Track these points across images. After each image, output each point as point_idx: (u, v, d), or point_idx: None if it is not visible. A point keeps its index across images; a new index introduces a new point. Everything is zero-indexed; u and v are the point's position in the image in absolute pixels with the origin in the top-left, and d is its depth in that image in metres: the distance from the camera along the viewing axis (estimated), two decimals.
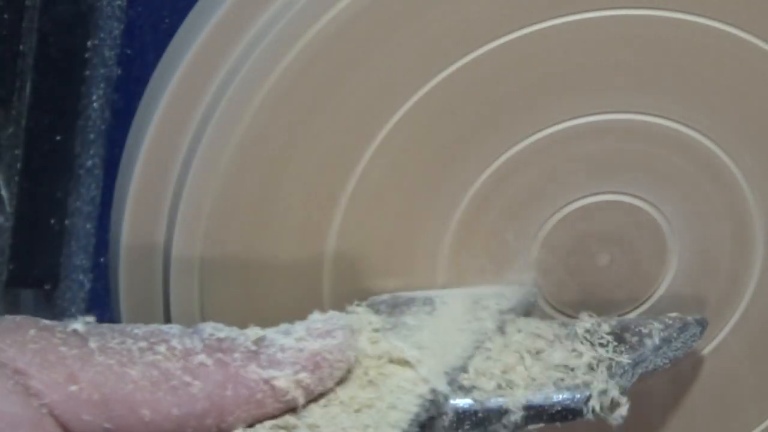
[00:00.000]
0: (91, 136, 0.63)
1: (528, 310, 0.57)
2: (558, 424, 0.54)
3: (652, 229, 0.58)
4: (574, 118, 0.56)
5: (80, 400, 0.46)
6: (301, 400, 0.49)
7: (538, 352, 0.54)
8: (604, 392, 0.54)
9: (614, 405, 0.54)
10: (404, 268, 0.57)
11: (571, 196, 0.57)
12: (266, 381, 0.48)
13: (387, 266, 0.57)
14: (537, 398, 0.53)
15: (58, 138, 0.62)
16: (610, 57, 0.55)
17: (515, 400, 0.52)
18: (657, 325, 0.56)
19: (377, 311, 0.54)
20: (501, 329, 0.54)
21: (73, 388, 0.46)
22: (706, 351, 0.61)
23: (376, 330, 0.52)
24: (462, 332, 0.53)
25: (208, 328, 0.49)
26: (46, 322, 0.48)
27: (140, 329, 0.49)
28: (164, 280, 0.56)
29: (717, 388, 0.61)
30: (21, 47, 0.61)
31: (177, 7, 0.59)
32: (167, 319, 0.57)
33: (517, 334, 0.54)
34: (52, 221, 0.63)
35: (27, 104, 0.61)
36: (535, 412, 0.53)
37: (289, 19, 0.53)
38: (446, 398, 0.51)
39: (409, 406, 0.50)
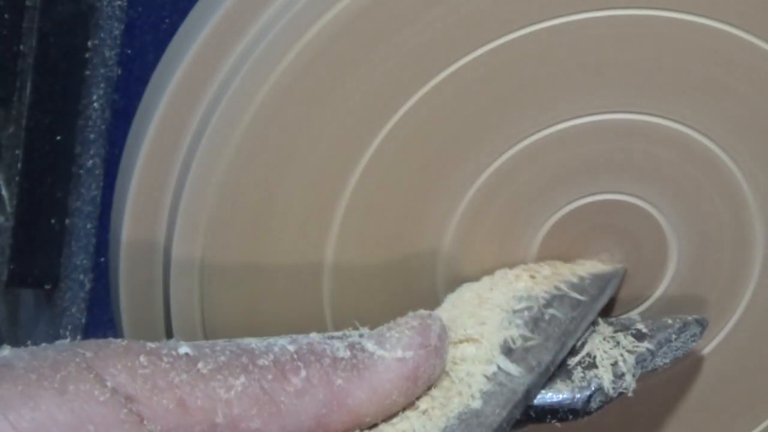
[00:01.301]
0: (91, 136, 0.63)
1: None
2: (558, 424, 0.54)
3: (652, 229, 0.58)
4: (574, 118, 0.56)
5: (191, 427, 0.46)
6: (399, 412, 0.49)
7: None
8: (604, 392, 0.54)
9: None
10: (405, 268, 0.57)
11: (571, 196, 0.57)
12: (369, 398, 0.48)
13: (388, 266, 0.57)
14: (537, 398, 0.53)
15: (58, 138, 0.62)
16: (610, 57, 0.55)
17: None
18: (657, 325, 0.56)
19: None
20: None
21: (184, 415, 0.46)
22: (706, 351, 0.61)
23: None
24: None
25: (301, 338, 0.49)
26: (152, 344, 0.47)
27: (249, 343, 0.48)
28: (164, 280, 0.56)
29: (717, 388, 0.61)
30: (21, 47, 0.62)
31: (177, 7, 0.59)
32: (167, 319, 0.57)
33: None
34: (52, 221, 0.63)
35: (27, 104, 0.61)
36: (535, 412, 0.53)
37: (289, 19, 0.53)
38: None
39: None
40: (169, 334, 0.56)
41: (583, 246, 0.58)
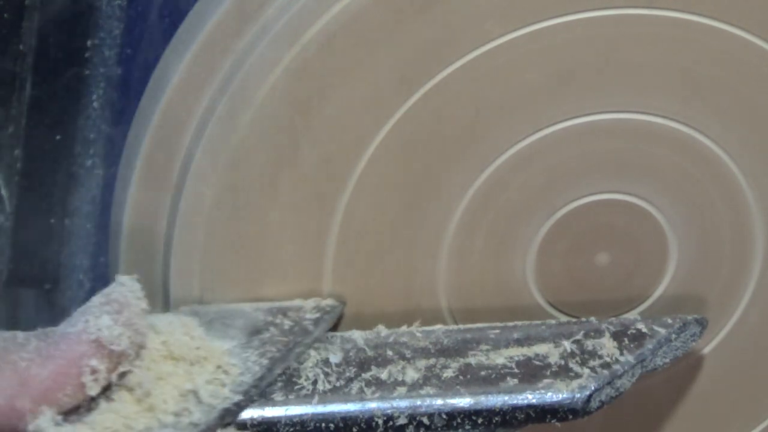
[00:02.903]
0: (91, 135, 0.63)
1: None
2: (558, 424, 0.54)
3: (652, 229, 0.58)
4: (574, 118, 0.56)
5: None
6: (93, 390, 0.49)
7: None
8: (603, 392, 0.54)
9: None
10: (404, 268, 0.57)
11: (571, 196, 0.57)
12: (55, 375, 0.48)
13: (386, 266, 0.57)
14: (537, 398, 0.53)
15: (58, 138, 0.62)
16: (610, 57, 0.55)
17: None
18: (657, 325, 0.56)
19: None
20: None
21: None
22: (706, 351, 0.61)
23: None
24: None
25: (19, 334, 0.50)
26: None
27: None
28: (164, 280, 0.56)
29: (717, 388, 0.61)
30: (21, 47, 0.62)
31: (177, 7, 0.59)
32: None
33: None
34: (52, 221, 0.63)
35: (27, 104, 0.61)
36: (535, 412, 0.53)
37: (288, 19, 0.53)
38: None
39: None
40: None
41: (583, 246, 0.58)
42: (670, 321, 0.56)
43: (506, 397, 0.53)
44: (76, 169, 0.63)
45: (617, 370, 0.54)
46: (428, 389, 0.53)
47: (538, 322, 0.56)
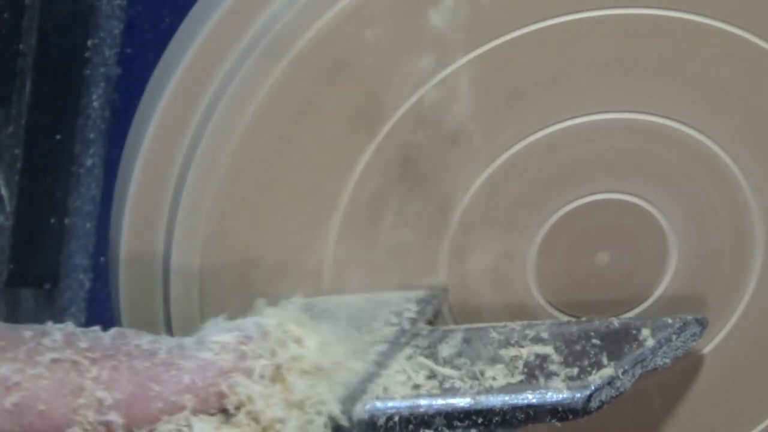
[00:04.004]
0: (91, 135, 0.63)
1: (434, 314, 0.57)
2: (558, 424, 0.54)
3: (652, 228, 0.58)
4: (574, 117, 0.56)
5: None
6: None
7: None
8: (603, 392, 0.54)
9: None
10: (404, 268, 0.57)
11: (571, 195, 0.57)
12: (177, 392, 0.49)
13: (387, 268, 0.57)
14: (537, 398, 0.53)
15: (58, 138, 0.62)
16: (610, 56, 0.55)
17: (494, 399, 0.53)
18: (657, 325, 0.56)
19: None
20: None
21: None
22: (706, 351, 0.61)
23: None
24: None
25: (128, 332, 0.50)
26: None
27: (66, 328, 0.49)
28: (164, 281, 0.56)
29: (717, 388, 0.61)
30: (21, 47, 0.62)
31: (177, 7, 0.59)
32: (167, 320, 0.57)
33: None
34: (52, 221, 0.63)
35: (27, 104, 0.61)
36: (535, 412, 0.53)
37: (289, 19, 0.53)
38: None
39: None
40: (169, 334, 0.56)
41: (583, 246, 0.58)
42: (670, 321, 0.56)
43: (506, 397, 0.53)
44: (76, 169, 0.63)
45: (617, 369, 0.54)
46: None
47: (538, 321, 0.56)
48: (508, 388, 0.53)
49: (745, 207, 0.58)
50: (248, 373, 0.50)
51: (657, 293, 0.59)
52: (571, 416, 0.53)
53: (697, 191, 0.58)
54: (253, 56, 0.54)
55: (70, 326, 0.49)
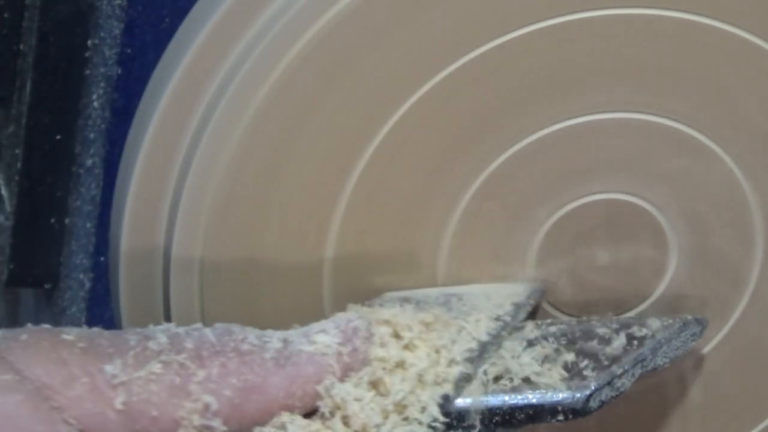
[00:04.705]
0: (91, 135, 0.63)
1: (535, 308, 0.57)
2: (558, 423, 0.54)
3: (652, 228, 0.58)
4: (574, 117, 0.56)
5: (105, 414, 0.46)
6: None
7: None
8: (603, 392, 0.54)
9: None
10: (404, 267, 0.57)
11: (571, 195, 0.57)
12: (287, 389, 0.49)
13: (387, 265, 0.57)
14: (537, 398, 0.53)
15: (58, 138, 0.62)
16: (610, 56, 0.55)
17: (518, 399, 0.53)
18: (657, 324, 0.56)
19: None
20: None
21: (99, 402, 0.46)
22: (706, 351, 0.61)
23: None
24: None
25: (234, 328, 0.50)
26: (68, 332, 0.47)
27: (169, 329, 0.49)
28: (164, 280, 0.56)
29: (717, 388, 0.61)
30: (21, 47, 0.62)
31: (177, 7, 0.59)
32: (167, 318, 0.57)
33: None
34: (52, 220, 0.63)
35: (27, 104, 0.61)
36: (535, 412, 0.53)
37: (289, 19, 0.53)
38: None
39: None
40: None
41: (582, 246, 0.58)
42: (670, 321, 0.56)
43: (506, 397, 0.53)
44: (76, 169, 0.63)
45: (617, 370, 0.54)
46: None
47: (538, 321, 0.56)
48: (508, 388, 0.53)
49: (745, 207, 0.58)
50: (346, 374, 0.50)
51: (657, 293, 0.59)
52: (571, 416, 0.53)
53: (697, 191, 0.58)
54: (253, 56, 0.54)
55: (172, 327, 0.49)
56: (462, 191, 0.56)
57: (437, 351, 0.52)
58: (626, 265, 0.59)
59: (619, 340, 0.55)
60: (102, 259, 0.64)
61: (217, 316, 0.54)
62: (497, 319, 0.54)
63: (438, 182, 0.56)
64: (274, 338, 0.50)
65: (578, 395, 0.53)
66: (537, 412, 0.53)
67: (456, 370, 0.52)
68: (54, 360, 0.46)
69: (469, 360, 0.52)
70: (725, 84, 0.56)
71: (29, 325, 0.48)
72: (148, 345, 0.48)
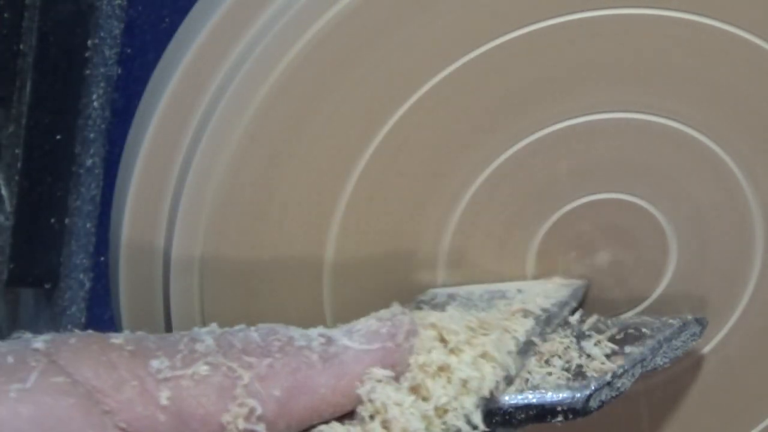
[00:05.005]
0: (91, 135, 0.63)
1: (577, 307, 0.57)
2: (558, 423, 0.54)
3: (652, 228, 0.58)
4: (574, 117, 0.56)
5: (155, 416, 0.46)
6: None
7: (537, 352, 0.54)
8: (603, 392, 0.54)
9: None
10: (405, 267, 0.57)
11: (571, 195, 0.57)
12: (334, 386, 0.48)
13: (387, 265, 0.57)
14: (537, 398, 0.53)
15: (58, 138, 0.62)
16: (610, 57, 0.55)
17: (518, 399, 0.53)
18: (657, 324, 0.56)
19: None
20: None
21: (149, 405, 0.46)
22: (706, 351, 0.61)
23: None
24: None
25: (278, 328, 0.49)
26: (116, 336, 0.47)
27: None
28: (164, 280, 0.56)
29: (717, 388, 0.61)
30: (21, 47, 0.62)
31: (177, 7, 0.60)
32: (167, 319, 0.57)
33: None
34: (52, 220, 0.63)
35: (27, 104, 0.61)
36: (535, 412, 0.53)
37: (289, 19, 0.53)
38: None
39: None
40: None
41: (582, 246, 0.58)
42: (670, 321, 0.56)
43: (506, 397, 0.53)
44: (76, 169, 0.63)
45: (617, 370, 0.54)
46: None
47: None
48: (508, 388, 0.53)
49: (745, 207, 0.58)
50: (387, 377, 0.49)
51: (657, 293, 0.59)
52: (571, 416, 0.53)
53: (697, 191, 0.58)
54: (253, 56, 0.54)
55: (217, 328, 0.49)
56: (462, 191, 0.56)
57: (483, 356, 0.51)
58: (626, 264, 0.59)
59: (619, 341, 0.55)
60: (102, 259, 0.64)
61: (217, 316, 0.54)
62: (540, 318, 0.54)
63: (438, 182, 0.56)
64: (318, 336, 0.49)
65: (578, 395, 0.53)
66: (537, 412, 0.53)
67: (500, 374, 0.52)
68: (104, 363, 0.46)
69: (512, 362, 0.52)
70: (725, 84, 0.56)
71: (75, 330, 0.48)
72: (195, 347, 0.48)
